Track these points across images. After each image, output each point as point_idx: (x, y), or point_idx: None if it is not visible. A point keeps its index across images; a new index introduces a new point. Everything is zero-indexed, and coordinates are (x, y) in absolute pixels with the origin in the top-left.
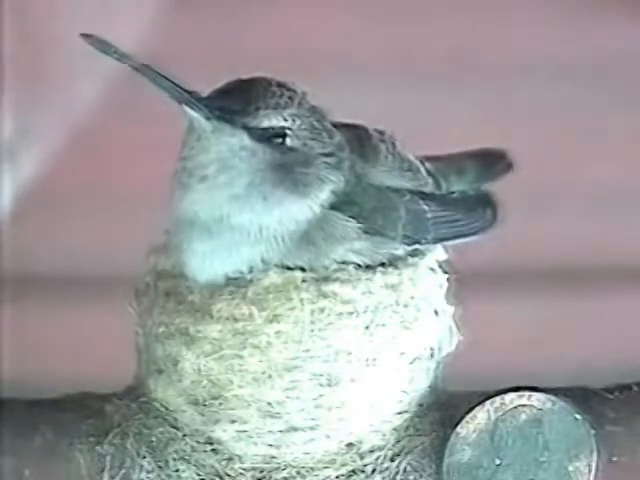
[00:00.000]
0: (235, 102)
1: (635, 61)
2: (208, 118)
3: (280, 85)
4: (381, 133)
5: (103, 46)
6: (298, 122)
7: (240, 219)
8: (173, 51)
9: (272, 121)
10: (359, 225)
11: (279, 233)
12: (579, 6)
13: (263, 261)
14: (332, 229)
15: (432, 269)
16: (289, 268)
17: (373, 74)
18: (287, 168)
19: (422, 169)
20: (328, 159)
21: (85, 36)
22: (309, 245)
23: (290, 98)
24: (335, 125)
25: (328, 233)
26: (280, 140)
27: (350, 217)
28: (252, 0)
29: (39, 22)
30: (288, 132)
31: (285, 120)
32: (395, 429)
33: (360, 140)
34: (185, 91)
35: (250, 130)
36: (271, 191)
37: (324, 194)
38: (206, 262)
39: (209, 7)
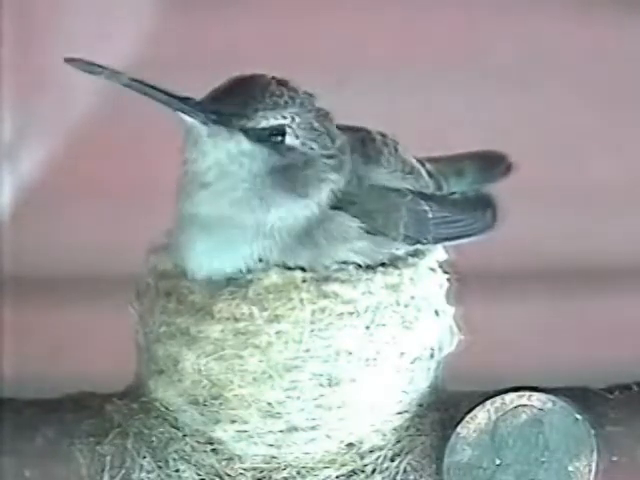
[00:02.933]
0: (232, 104)
1: (634, 61)
2: (204, 123)
3: (280, 84)
4: (383, 136)
5: (90, 68)
6: (298, 120)
7: (239, 219)
8: (172, 52)
9: (270, 121)
10: (361, 225)
11: (276, 230)
12: (578, 5)
13: (261, 259)
14: (334, 229)
15: (432, 269)
16: (289, 268)
17: (372, 74)
18: (286, 169)
19: (423, 171)
20: (328, 160)
21: (70, 60)
22: (311, 244)
23: (291, 98)
24: (339, 128)
25: (330, 233)
26: (279, 138)
27: (352, 217)
28: (251, 1)
29: (39, 23)
30: (287, 130)
31: (284, 118)
32: (395, 429)
33: (363, 143)
34: (178, 98)
35: (248, 132)
36: (270, 194)
37: (323, 193)
38: (205, 259)
39: (208, 8)
